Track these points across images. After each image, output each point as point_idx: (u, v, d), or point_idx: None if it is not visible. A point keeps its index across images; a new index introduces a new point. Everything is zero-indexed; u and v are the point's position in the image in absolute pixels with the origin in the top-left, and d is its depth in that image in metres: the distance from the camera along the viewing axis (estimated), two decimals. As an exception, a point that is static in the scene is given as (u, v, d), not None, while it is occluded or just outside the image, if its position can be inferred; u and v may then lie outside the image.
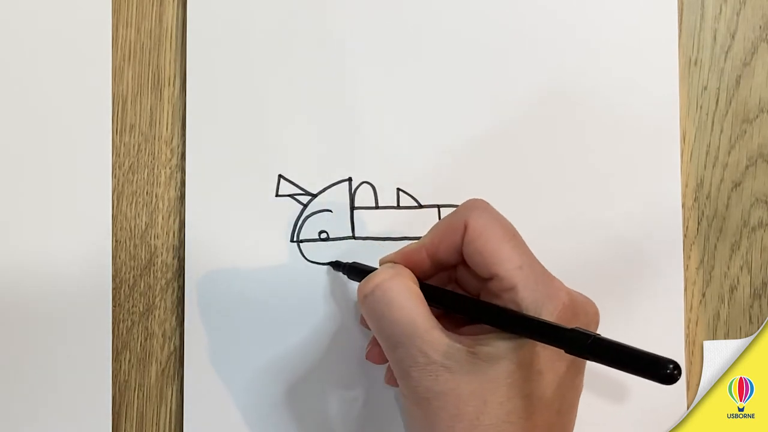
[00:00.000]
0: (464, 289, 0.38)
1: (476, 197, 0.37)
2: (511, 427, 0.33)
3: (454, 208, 0.43)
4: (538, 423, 0.33)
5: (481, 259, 0.35)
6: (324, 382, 0.43)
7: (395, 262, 0.38)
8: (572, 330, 0.31)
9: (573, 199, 0.44)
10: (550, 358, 0.33)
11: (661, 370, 0.27)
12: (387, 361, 0.38)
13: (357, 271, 0.41)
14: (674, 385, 0.45)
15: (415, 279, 0.36)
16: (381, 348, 0.36)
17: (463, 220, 0.36)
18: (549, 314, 0.33)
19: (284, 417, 0.43)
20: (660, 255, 0.44)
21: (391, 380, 0.40)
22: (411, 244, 0.38)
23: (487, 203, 0.36)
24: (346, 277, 0.42)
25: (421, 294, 0.35)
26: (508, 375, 0.33)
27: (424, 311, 0.34)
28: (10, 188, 0.43)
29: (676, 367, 0.27)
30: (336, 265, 0.43)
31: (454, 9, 0.44)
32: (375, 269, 0.38)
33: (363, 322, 0.42)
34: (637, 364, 0.28)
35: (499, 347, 0.33)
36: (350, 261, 0.42)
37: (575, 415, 0.36)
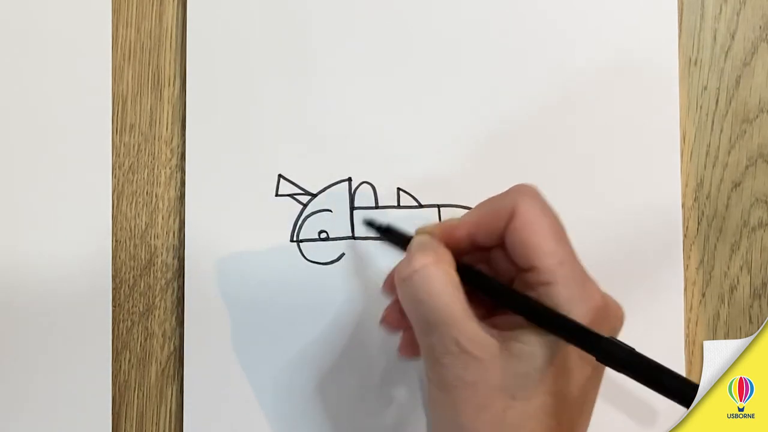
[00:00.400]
0: (496, 272, 0.38)
1: (525, 183, 0.36)
2: (537, 424, 0.33)
3: (455, 208, 0.44)
4: (563, 421, 0.33)
5: (523, 249, 0.34)
6: (324, 380, 0.43)
7: (433, 237, 0.37)
8: (609, 340, 0.31)
9: (573, 199, 0.44)
10: (579, 357, 0.33)
11: (690, 393, 0.28)
12: (401, 327, 0.38)
13: (391, 234, 0.40)
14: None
15: (454, 264, 0.36)
16: (399, 314, 0.36)
17: (511, 206, 0.35)
18: (582, 315, 0.33)
19: (284, 416, 0.43)
20: (660, 255, 0.44)
21: (406, 350, 0.39)
22: (451, 219, 0.38)
23: (537, 190, 0.36)
24: (345, 274, 0.42)
25: (459, 282, 0.35)
26: (538, 372, 0.33)
27: (462, 301, 0.34)
28: (9, 188, 0.43)
29: (695, 389, 0.28)
30: (370, 224, 0.41)
31: (454, 9, 0.44)
32: (410, 237, 0.37)
33: (387, 288, 0.40)
34: (669, 384, 0.29)
35: (532, 344, 0.33)
36: (385, 223, 0.40)
37: (591, 415, 0.36)
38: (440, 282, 0.34)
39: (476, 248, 0.37)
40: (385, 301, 0.41)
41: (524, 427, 0.33)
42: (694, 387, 0.27)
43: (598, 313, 0.33)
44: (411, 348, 0.38)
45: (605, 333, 0.33)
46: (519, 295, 0.35)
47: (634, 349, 0.30)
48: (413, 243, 0.37)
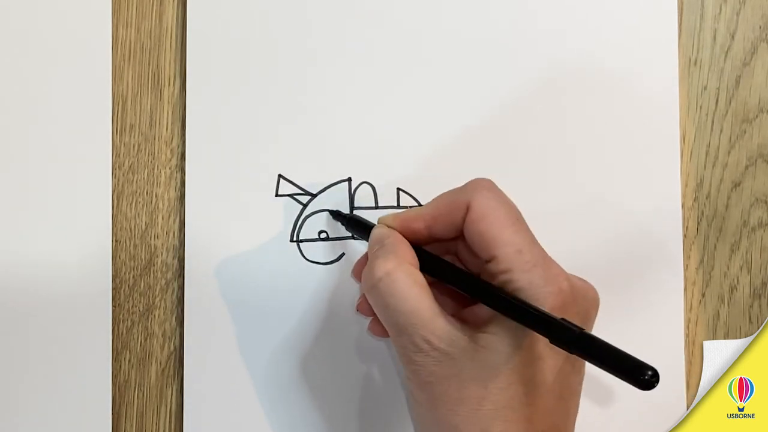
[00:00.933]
0: (464, 265, 0.39)
1: (480, 177, 0.37)
2: (512, 413, 0.33)
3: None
4: (539, 408, 0.34)
5: (481, 240, 0.35)
6: (324, 381, 0.43)
7: (392, 227, 0.38)
8: (560, 321, 0.31)
9: (573, 199, 0.44)
10: (549, 344, 0.33)
11: (640, 375, 0.27)
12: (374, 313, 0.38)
13: (355, 224, 0.41)
14: (674, 385, 0.45)
15: (416, 261, 0.36)
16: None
17: (466, 200, 0.36)
18: (544, 299, 0.33)
19: (284, 416, 0.43)
20: (660, 255, 0.44)
21: (375, 329, 0.40)
22: (410, 210, 0.39)
23: (493, 183, 0.37)
24: (345, 274, 0.42)
25: (425, 282, 0.35)
26: (507, 361, 0.33)
27: (428, 299, 0.35)
28: (10, 188, 0.43)
29: (655, 374, 0.27)
30: (336, 214, 0.43)
31: (454, 9, 0.44)
32: (373, 225, 0.39)
33: (355, 275, 0.42)
34: (618, 365, 0.28)
35: (498, 333, 0.33)
36: (350, 214, 0.43)
37: (578, 401, 0.36)
38: (405, 285, 0.35)
39: (436, 240, 0.38)
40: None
41: (500, 417, 0.33)
42: (652, 370, 0.27)
43: (564, 297, 0.33)
44: (379, 328, 0.39)
45: (576, 316, 0.34)
46: (475, 281, 0.35)
47: (584, 329, 0.30)
48: (373, 237, 0.38)
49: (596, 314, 0.36)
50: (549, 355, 0.34)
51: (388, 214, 0.39)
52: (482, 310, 0.36)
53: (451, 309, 0.37)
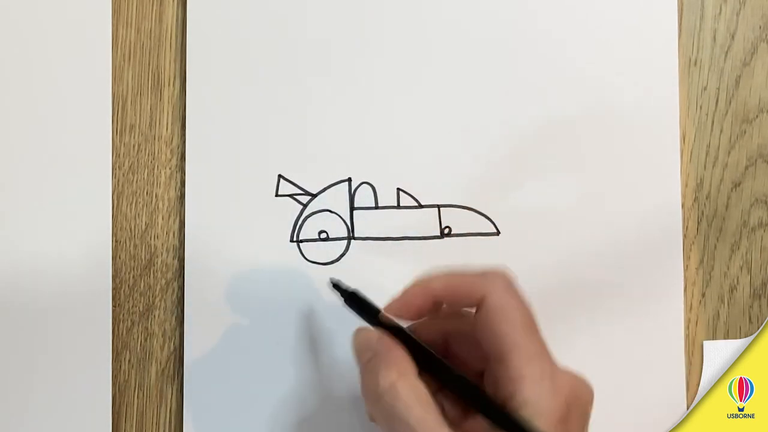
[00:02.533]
0: (466, 356, 0.37)
1: (499, 268, 0.36)
2: None
3: (455, 208, 0.44)
4: None
5: (494, 340, 0.34)
6: (324, 381, 0.43)
7: (385, 329, 0.37)
8: None
9: (573, 200, 0.44)
10: None
11: None
12: None
13: (355, 302, 0.39)
14: (674, 385, 0.45)
15: (416, 370, 0.35)
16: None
17: (481, 293, 0.35)
18: (551, 413, 0.33)
19: (284, 417, 0.43)
20: (660, 255, 0.44)
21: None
22: (416, 286, 0.37)
23: (511, 279, 0.35)
24: (345, 274, 0.42)
25: (428, 394, 0.34)
26: None
27: (433, 412, 0.34)
28: (10, 188, 0.43)
29: None
30: (335, 286, 0.39)
31: (455, 9, 0.44)
32: (374, 308, 0.37)
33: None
34: None
35: None
36: (351, 288, 0.39)
37: None
38: (410, 400, 0.34)
39: (438, 315, 0.37)
40: (384, 300, 0.41)
41: None
42: None
43: (568, 405, 0.33)
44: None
45: (579, 419, 0.34)
46: (481, 398, 0.35)
47: None
48: (360, 344, 0.37)
49: (592, 408, 0.36)
50: None
51: (391, 301, 0.37)
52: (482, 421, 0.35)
53: (453, 418, 0.36)
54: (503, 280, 0.35)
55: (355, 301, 0.38)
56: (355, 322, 0.43)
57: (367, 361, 0.36)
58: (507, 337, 0.34)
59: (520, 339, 0.34)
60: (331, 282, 0.39)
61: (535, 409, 0.33)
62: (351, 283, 0.43)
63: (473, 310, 0.36)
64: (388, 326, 0.36)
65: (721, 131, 0.45)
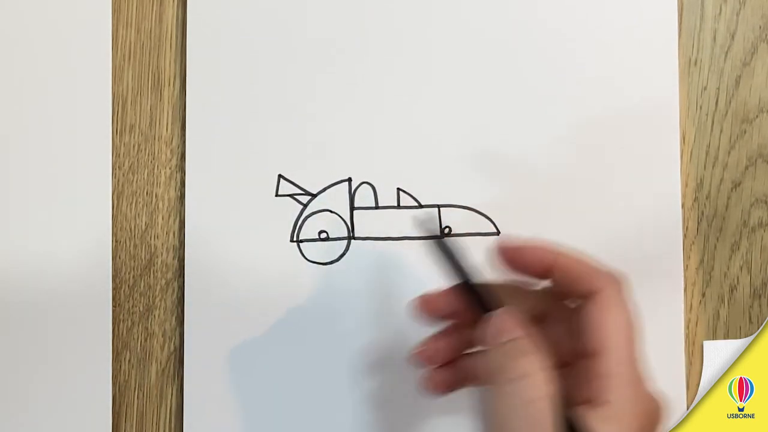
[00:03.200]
0: (556, 340, 0.36)
1: (618, 271, 0.36)
2: None
3: (456, 208, 0.44)
4: None
5: (595, 334, 0.34)
6: (324, 381, 0.43)
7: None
8: None
9: (573, 200, 0.44)
10: None
11: None
12: (439, 362, 0.37)
13: (450, 262, 0.36)
14: (674, 385, 0.45)
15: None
16: (440, 348, 0.36)
17: (598, 285, 0.35)
18: (628, 419, 0.33)
19: (284, 416, 0.43)
20: (660, 255, 0.44)
21: (435, 385, 0.39)
22: (542, 244, 0.36)
23: (629, 286, 0.36)
24: (345, 274, 0.42)
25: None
26: None
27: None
28: (10, 188, 0.43)
29: None
30: (438, 244, 0.36)
31: (454, 10, 0.44)
32: (467, 269, 0.36)
33: (422, 356, 0.39)
34: None
35: None
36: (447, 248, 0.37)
37: None
38: (550, 418, 0.32)
39: (539, 273, 0.37)
40: (386, 303, 0.41)
41: None
42: None
43: (647, 416, 0.34)
44: (442, 382, 0.38)
45: (648, 430, 0.34)
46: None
47: None
48: (496, 327, 0.35)
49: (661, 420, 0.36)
50: None
51: (507, 241, 0.36)
52: None
53: None
54: (622, 283, 0.36)
55: (449, 258, 0.36)
56: (355, 322, 0.43)
57: (507, 348, 0.34)
58: (610, 336, 0.34)
59: (621, 342, 0.34)
60: (434, 241, 0.36)
61: (616, 410, 0.33)
62: (351, 282, 0.43)
63: (571, 304, 0.36)
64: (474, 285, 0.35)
65: (721, 131, 0.45)
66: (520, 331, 0.35)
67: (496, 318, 0.35)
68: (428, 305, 0.38)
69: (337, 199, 0.44)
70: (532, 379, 0.33)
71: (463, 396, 0.43)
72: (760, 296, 0.44)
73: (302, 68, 0.44)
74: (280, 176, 0.44)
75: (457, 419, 0.43)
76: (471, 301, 0.35)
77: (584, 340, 0.35)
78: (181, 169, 0.44)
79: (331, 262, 0.43)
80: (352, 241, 0.44)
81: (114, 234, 0.44)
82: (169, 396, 0.44)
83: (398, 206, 0.44)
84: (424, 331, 0.43)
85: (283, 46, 0.44)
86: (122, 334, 0.44)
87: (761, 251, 0.44)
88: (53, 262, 0.43)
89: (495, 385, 0.34)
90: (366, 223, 0.44)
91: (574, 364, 0.35)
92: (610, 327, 0.34)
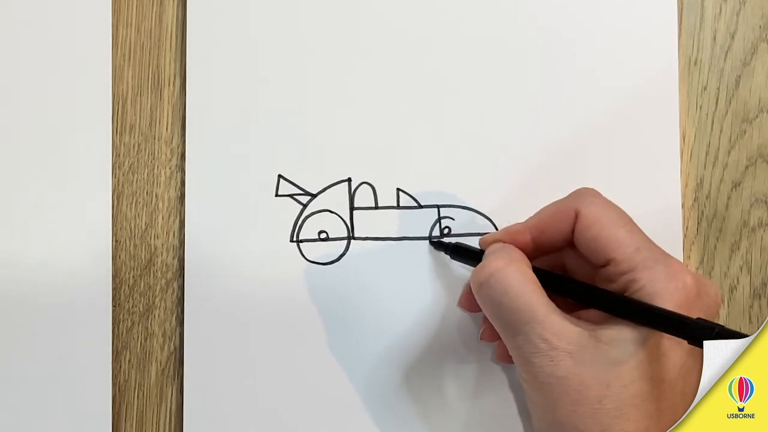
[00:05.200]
0: (573, 275, 0.38)
1: (584, 186, 0.37)
2: (635, 411, 0.32)
3: (455, 208, 0.44)
4: (663, 405, 0.32)
5: (596, 245, 0.34)
6: (323, 379, 0.43)
7: (502, 242, 0.37)
8: (696, 321, 0.30)
9: (573, 199, 0.44)
10: (672, 339, 0.32)
11: None
12: (478, 310, 0.38)
13: (460, 251, 0.41)
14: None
15: (529, 263, 0.36)
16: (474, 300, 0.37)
17: (573, 208, 0.35)
18: (670, 295, 0.32)
19: (284, 416, 0.43)
20: (660, 255, 0.44)
21: (503, 358, 0.40)
22: (513, 225, 0.38)
23: (598, 192, 0.36)
24: (345, 274, 0.42)
25: (536, 279, 0.34)
26: (631, 357, 0.32)
27: (542, 296, 0.34)
28: (9, 188, 0.43)
29: None
30: (438, 245, 0.42)
31: (454, 11, 0.44)
32: (477, 250, 0.39)
33: (464, 305, 0.41)
34: None
35: (622, 330, 0.32)
36: (453, 242, 0.42)
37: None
38: (517, 281, 0.34)
39: (542, 252, 0.37)
40: (386, 303, 0.41)
41: (622, 415, 0.32)
42: None
43: (687, 292, 0.32)
44: (491, 332, 0.39)
45: (701, 312, 0.32)
46: (599, 291, 0.34)
47: (723, 326, 0.29)
48: (487, 253, 0.37)
49: (717, 310, 0.34)
50: (672, 351, 0.33)
51: (488, 234, 0.40)
52: (595, 312, 0.34)
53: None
54: (590, 191, 0.36)
55: (459, 252, 0.41)
56: (354, 322, 0.43)
57: (486, 255, 0.36)
58: (610, 237, 0.34)
59: (622, 236, 0.34)
60: (432, 244, 0.42)
61: (651, 292, 0.32)
62: (351, 282, 0.43)
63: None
64: None
65: (721, 131, 0.45)
66: (501, 245, 0.37)
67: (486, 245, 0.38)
68: (467, 300, 0.40)
69: (337, 200, 0.44)
70: (499, 274, 0.34)
71: (461, 399, 0.43)
72: (760, 296, 0.44)
73: (302, 68, 0.44)
74: (280, 176, 0.44)
75: (456, 419, 0.43)
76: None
77: (592, 257, 0.35)
78: (181, 169, 0.44)
79: (331, 262, 0.44)
80: (352, 241, 0.44)
81: (114, 234, 0.44)
82: (169, 396, 0.44)
83: (398, 206, 0.44)
84: (422, 334, 0.43)
85: (283, 46, 0.44)
86: (122, 334, 0.44)
87: (761, 251, 0.44)
88: (53, 262, 0.43)
89: (474, 289, 0.36)
90: (366, 223, 0.44)
91: (599, 275, 0.35)
92: (606, 232, 0.34)
